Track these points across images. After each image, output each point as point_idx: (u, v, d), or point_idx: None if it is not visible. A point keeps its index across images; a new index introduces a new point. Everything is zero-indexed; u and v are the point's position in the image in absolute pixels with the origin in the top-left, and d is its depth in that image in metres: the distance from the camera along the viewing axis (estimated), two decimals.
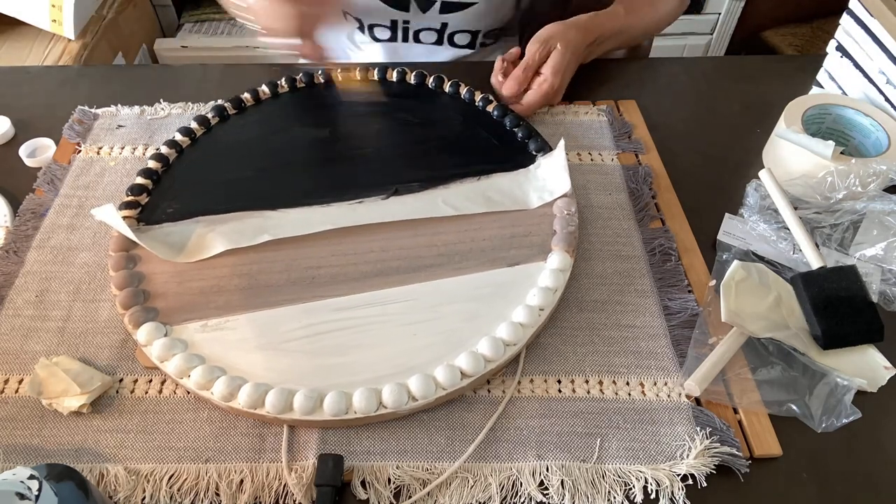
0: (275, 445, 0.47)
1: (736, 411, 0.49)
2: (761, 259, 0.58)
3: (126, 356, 0.52)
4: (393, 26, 0.85)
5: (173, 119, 0.73)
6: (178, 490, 0.45)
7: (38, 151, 0.70)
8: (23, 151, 0.69)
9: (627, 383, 0.51)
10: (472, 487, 0.45)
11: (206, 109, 0.73)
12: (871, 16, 0.67)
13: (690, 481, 0.46)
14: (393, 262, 0.57)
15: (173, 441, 0.47)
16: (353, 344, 0.51)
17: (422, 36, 0.86)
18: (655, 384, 0.51)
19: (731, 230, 0.61)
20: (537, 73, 0.70)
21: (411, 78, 0.74)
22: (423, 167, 0.65)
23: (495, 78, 0.73)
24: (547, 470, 0.46)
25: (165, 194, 0.63)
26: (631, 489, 0.45)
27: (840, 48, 0.72)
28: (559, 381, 0.51)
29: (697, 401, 0.50)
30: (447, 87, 0.73)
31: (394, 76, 0.75)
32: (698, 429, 0.48)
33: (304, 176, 0.65)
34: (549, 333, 0.54)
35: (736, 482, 0.46)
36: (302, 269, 0.56)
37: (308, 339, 0.52)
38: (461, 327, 0.52)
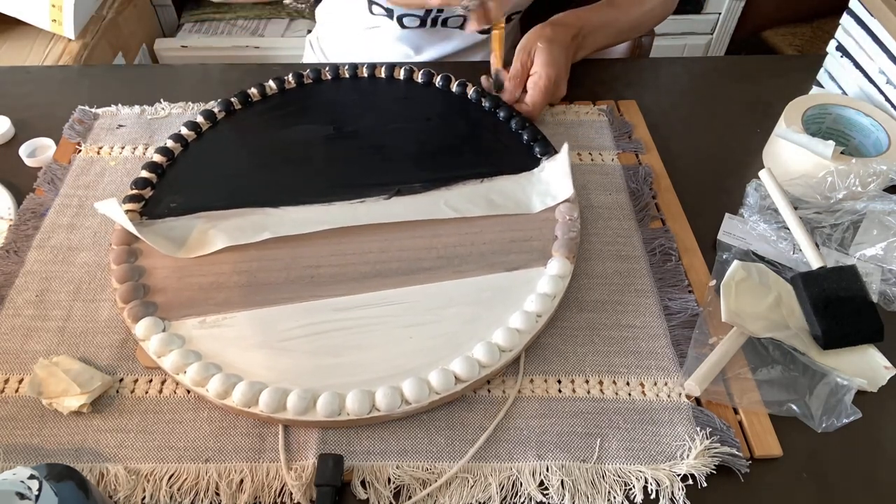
0: (275, 445, 0.47)
1: (736, 411, 0.49)
2: (761, 259, 0.58)
3: (126, 356, 0.52)
4: (426, 13, 0.84)
5: (173, 119, 0.73)
6: (178, 490, 0.45)
7: (38, 151, 0.70)
8: (23, 151, 0.69)
9: (627, 383, 0.51)
10: (471, 487, 0.45)
11: (211, 105, 0.72)
12: (872, 16, 0.67)
13: (690, 481, 0.46)
14: (392, 263, 0.57)
15: (173, 441, 0.47)
16: (350, 344, 0.51)
17: (449, 21, 0.86)
18: (655, 384, 0.51)
19: (732, 230, 0.61)
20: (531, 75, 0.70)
21: (418, 77, 0.74)
22: (426, 168, 0.65)
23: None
24: (547, 470, 0.46)
25: (169, 189, 0.63)
26: (631, 489, 0.45)
27: (840, 48, 0.72)
28: (559, 381, 0.51)
29: (698, 401, 0.50)
30: (454, 87, 0.73)
31: (401, 74, 0.74)
32: (698, 429, 0.48)
33: (306, 174, 0.65)
34: (549, 333, 0.54)
35: (736, 482, 0.46)
36: (302, 267, 0.56)
37: (306, 339, 0.51)
38: (458, 331, 0.52)
